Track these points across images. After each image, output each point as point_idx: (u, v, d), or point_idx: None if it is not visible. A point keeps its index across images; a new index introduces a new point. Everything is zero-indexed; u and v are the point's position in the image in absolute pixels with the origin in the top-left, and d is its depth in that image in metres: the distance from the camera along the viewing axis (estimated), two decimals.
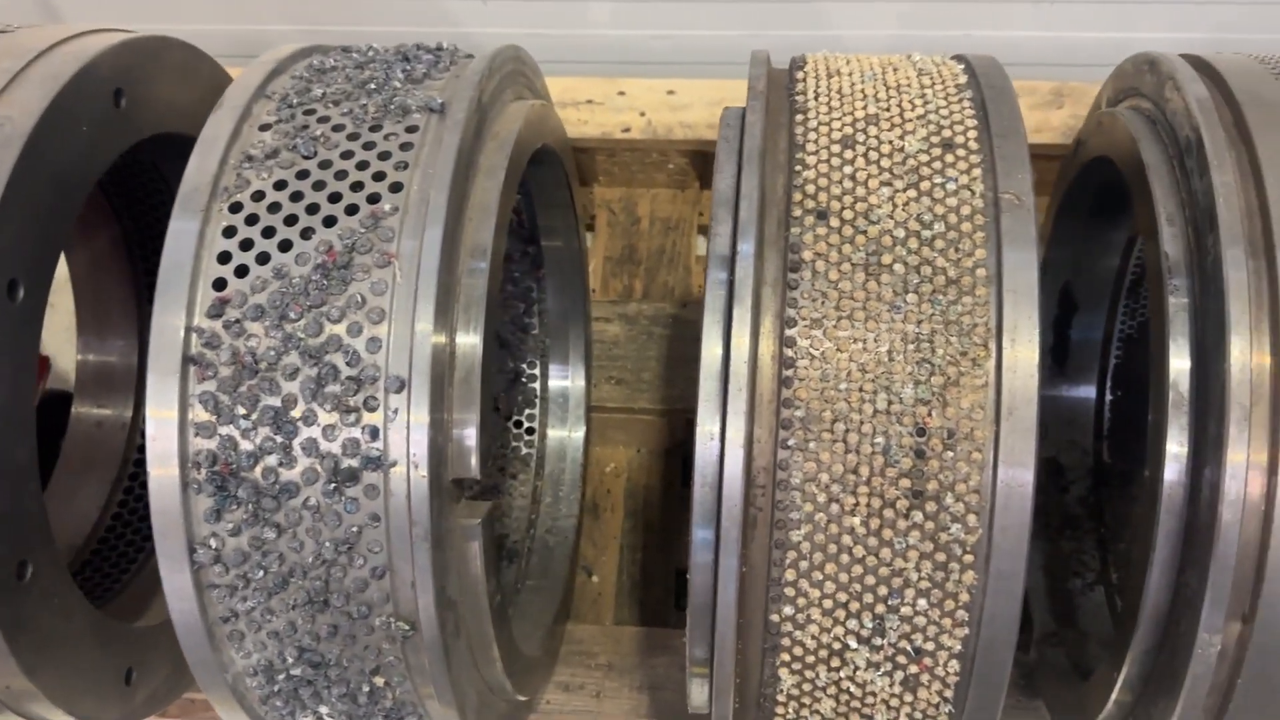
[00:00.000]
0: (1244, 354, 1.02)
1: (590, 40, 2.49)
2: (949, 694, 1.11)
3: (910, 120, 1.17)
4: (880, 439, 1.05)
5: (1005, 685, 1.10)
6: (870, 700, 1.13)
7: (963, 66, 1.28)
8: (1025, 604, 1.70)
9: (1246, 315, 1.03)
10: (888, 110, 1.19)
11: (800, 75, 1.28)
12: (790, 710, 1.16)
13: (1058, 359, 1.80)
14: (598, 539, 2.05)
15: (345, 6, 2.63)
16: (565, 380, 1.93)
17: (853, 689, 1.12)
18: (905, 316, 1.06)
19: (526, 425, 1.93)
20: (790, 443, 1.06)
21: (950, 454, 1.04)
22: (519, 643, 1.61)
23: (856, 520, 1.06)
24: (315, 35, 1.84)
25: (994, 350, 1.05)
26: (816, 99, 1.22)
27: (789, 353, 1.07)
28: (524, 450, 1.92)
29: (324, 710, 1.24)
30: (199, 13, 2.54)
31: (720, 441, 1.06)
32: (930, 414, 1.05)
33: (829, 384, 1.06)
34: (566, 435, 1.93)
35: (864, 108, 1.19)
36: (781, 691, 1.15)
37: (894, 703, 1.13)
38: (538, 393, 1.93)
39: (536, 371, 1.93)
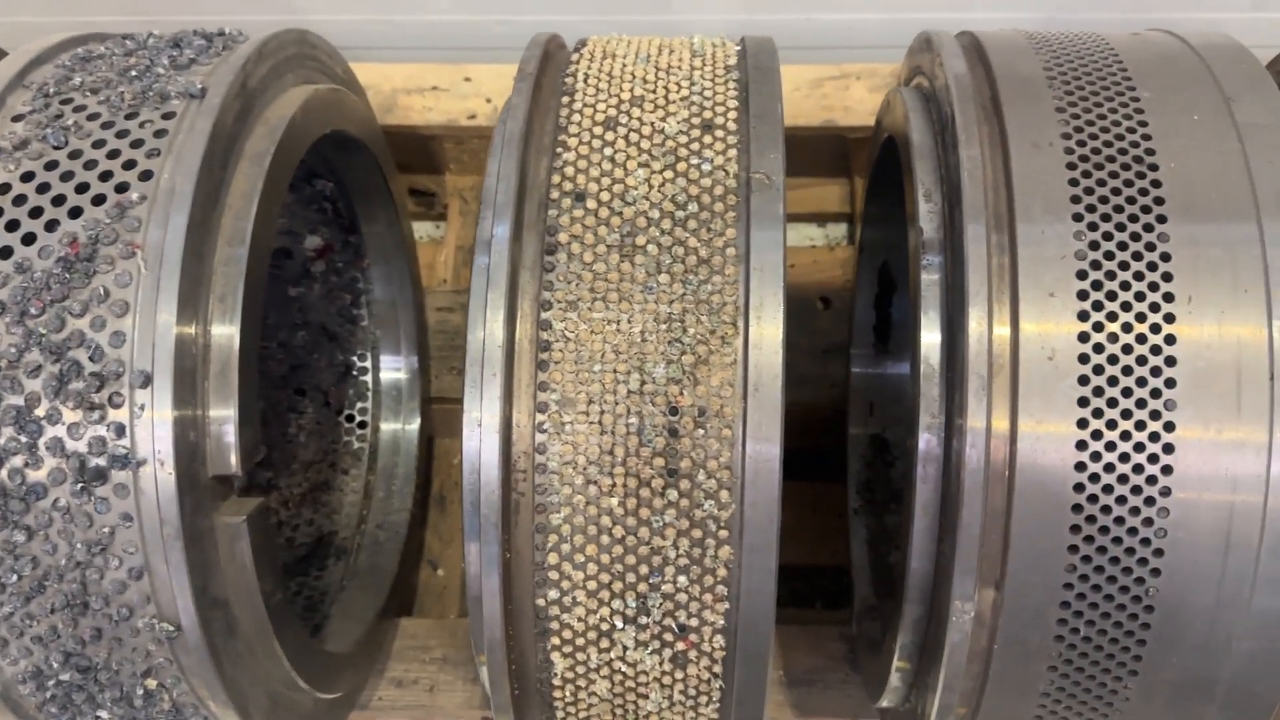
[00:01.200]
0: (981, 325, 1.04)
1: (435, 26, 2.46)
2: (718, 669, 1.12)
3: (674, 102, 1.17)
4: (634, 419, 1.05)
5: (769, 658, 1.11)
6: (643, 679, 1.13)
7: (739, 49, 1.29)
8: (849, 577, 1.73)
9: (985, 288, 1.05)
10: (653, 92, 1.19)
11: (575, 58, 1.27)
12: (567, 693, 1.16)
13: (880, 337, 1.83)
14: (444, 532, 2.03)
15: None
16: (398, 372, 1.90)
17: (624, 669, 1.13)
18: (658, 297, 1.06)
19: (359, 419, 1.90)
20: (546, 426, 1.06)
21: (701, 431, 1.05)
22: (333, 639, 1.59)
23: (614, 501, 1.06)
24: (151, 26, 1.79)
25: (742, 328, 1.05)
26: (585, 81, 1.21)
27: (545, 336, 1.07)
28: (356, 445, 1.89)
29: (102, 714, 1.20)
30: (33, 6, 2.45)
31: (481, 428, 1.05)
32: (682, 393, 1.05)
33: (583, 366, 1.06)
34: (400, 428, 1.90)
35: (630, 90, 1.19)
36: (556, 675, 1.14)
37: (666, 680, 1.13)
38: (370, 386, 1.90)
39: (368, 364, 1.90)
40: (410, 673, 1.76)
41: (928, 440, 1.10)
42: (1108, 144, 1.10)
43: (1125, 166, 1.08)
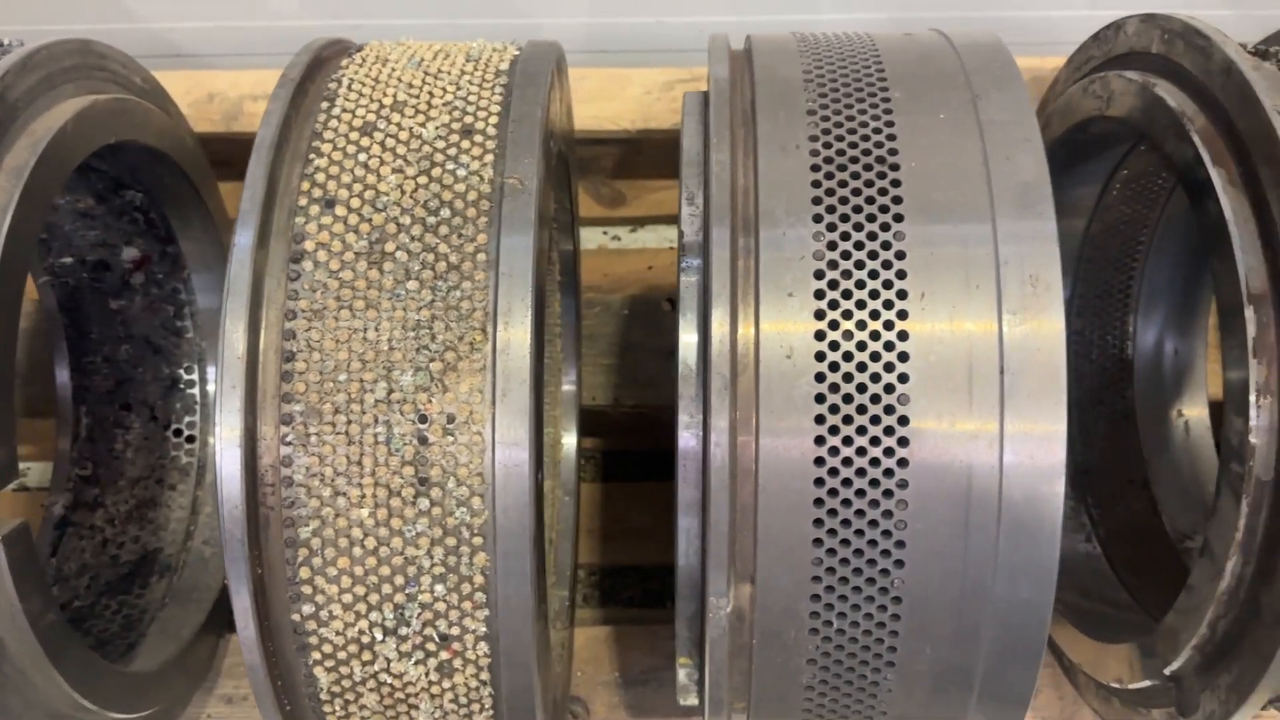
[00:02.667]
0: (724, 326, 1.05)
1: (278, 32, 2.42)
2: (485, 676, 1.12)
3: (436, 107, 1.17)
4: (382, 428, 1.04)
5: (533, 663, 1.11)
6: (411, 690, 1.13)
7: (516, 53, 1.29)
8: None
9: (728, 289, 1.06)
10: (416, 97, 1.18)
11: (345, 63, 1.26)
12: (338, 708, 1.15)
13: None
14: None
15: (22, 4, 2.48)
16: None
17: (390, 681, 1.12)
18: (406, 304, 1.06)
19: (186, 433, 1.86)
20: (291, 438, 1.05)
21: (451, 439, 1.04)
22: (143, 658, 1.55)
23: (365, 512, 1.05)
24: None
25: (491, 334, 1.05)
26: (349, 87, 1.20)
27: (289, 346, 1.05)
28: (184, 459, 1.85)
29: None
30: None
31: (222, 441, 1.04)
32: (430, 400, 1.04)
33: (328, 376, 1.05)
34: None
35: (393, 94, 1.18)
36: (323, 690, 1.13)
37: (434, 690, 1.13)
38: (197, 399, 1.86)
39: (195, 376, 1.86)
40: (241, 689, 1.73)
41: (686, 439, 1.10)
42: (853, 145, 1.12)
43: (867, 167, 1.10)
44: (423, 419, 1.04)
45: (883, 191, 1.09)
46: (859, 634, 1.09)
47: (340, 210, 1.09)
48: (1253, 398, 1.11)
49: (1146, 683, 1.35)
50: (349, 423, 1.04)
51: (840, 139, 1.13)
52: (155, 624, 1.66)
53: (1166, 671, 1.30)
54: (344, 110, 1.16)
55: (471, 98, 1.18)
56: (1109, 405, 1.86)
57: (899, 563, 1.06)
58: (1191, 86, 1.28)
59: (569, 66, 2.07)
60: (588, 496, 2.05)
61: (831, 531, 1.05)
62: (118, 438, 1.85)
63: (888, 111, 1.15)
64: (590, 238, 2.45)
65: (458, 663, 1.10)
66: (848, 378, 1.04)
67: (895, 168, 1.10)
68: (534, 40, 1.34)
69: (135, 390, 1.85)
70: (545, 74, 1.21)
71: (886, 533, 1.05)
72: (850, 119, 1.14)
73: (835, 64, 1.22)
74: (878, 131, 1.13)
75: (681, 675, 1.26)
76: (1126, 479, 1.82)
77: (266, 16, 2.43)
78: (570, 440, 1.87)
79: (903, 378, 1.04)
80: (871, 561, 1.06)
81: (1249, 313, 1.12)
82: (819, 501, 1.05)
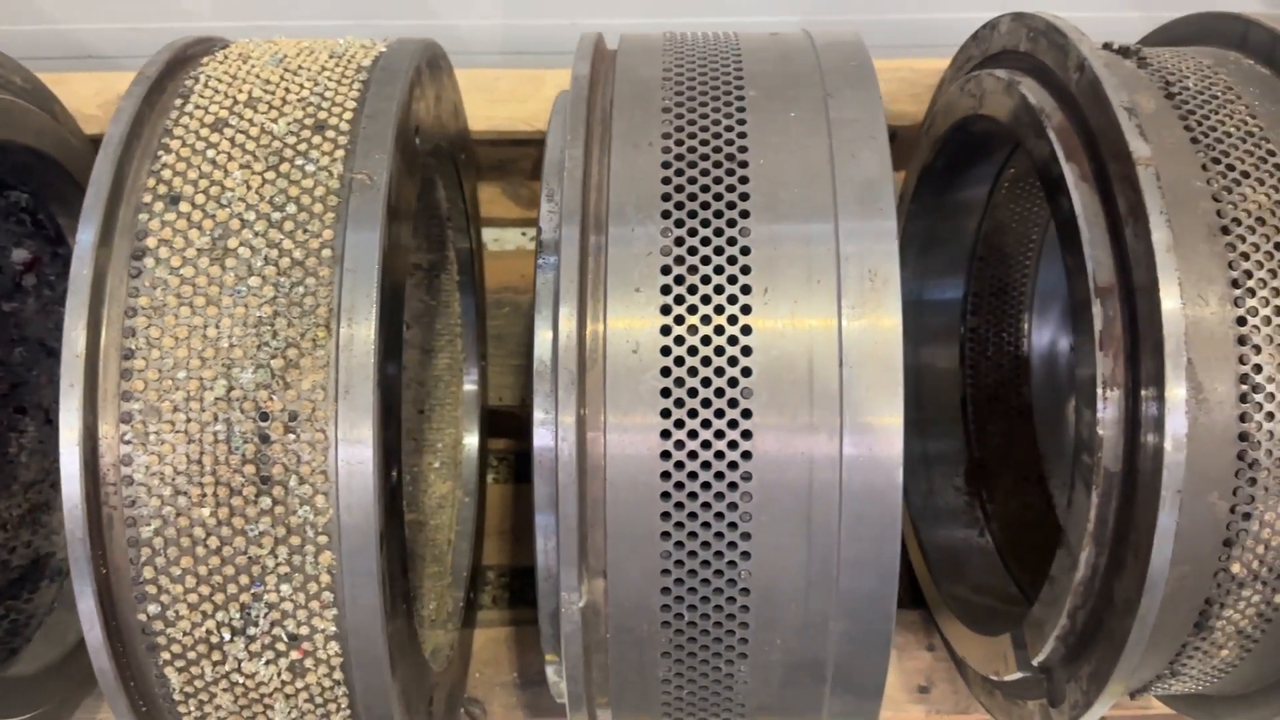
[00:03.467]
0: (570, 322, 1.05)
1: (191, 34, 2.40)
2: (338, 675, 1.11)
3: (290, 103, 1.16)
4: (222, 426, 1.04)
5: (386, 662, 1.10)
6: (264, 691, 1.12)
7: (382, 50, 1.28)
8: None
9: (575, 286, 1.06)
10: (271, 93, 1.17)
11: (206, 60, 1.25)
12: (192, 709, 1.14)
13: None
14: None
15: None
16: None
17: (243, 681, 1.11)
18: (248, 301, 1.05)
19: None
20: (130, 437, 1.04)
21: (293, 436, 1.04)
22: (24, 662, 1.53)
23: (206, 511, 1.04)
24: None
25: (334, 330, 1.05)
26: (205, 84, 1.19)
27: (129, 344, 1.05)
28: None
29: None
30: None
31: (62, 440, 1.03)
32: (272, 398, 1.04)
33: (167, 374, 1.04)
34: None
35: (249, 91, 1.18)
36: (175, 691, 1.12)
37: (288, 690, 1.12)
38: None
39: None
40: None
41: (541, 436, 1.10)
42: (704, 143, 1.13)
43: (717, 164, 1.11)
44: (264, 417, 1.04)
45: (731, 189, 1.10)
46: (710, 626, 1.10)
47: (184, 207, 1.08)
48: (1099, 390, 1.13)
49: (1019, 674, 1.37)
50: (188, 421, 1.03)
51: (693, 136, 1.13)
52: (42, 629, 1.63)
53: (1035, 663, 1.32)
54: (197, 107, 1.16)
55: (328, 94, 1.17)
56: (1005, 402, 1.89)
57: (745, 554, 1.06)
58: (1053, 84, 1.30)
59: (487, 68, 2.08)
60: (499, 498, 2.04)
61: (679, 525, 1.06)
62: (12, 441, 1.82)
63: (741, 110, 1.16)
64: (508, 238, 2.45)
65: (309, 663, 1.10)
66: (692, 372, 1.05)
67: (744, 165, 1.11)
68: (403, 38, 1.34)
69: (29, 393, 1.82)
70: (405, 70, 1.21)
71: (732, 525, 1.06)
72: (704, 117, 1.15)
73: (695, 63, 1.23)
74: (730, 129, 1.14)
75: (550, 672, 1.26)
76: (1022, 474, 1.84)
77: (179, 18, 2.41)
78: (472, 440, 1.86)
79: (746, 372, 1.04)
80: (719, 554, 1.07)
81: (1096, 306, 1.14)
82: (666, 495, 1.05)
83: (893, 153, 1.13)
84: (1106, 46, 1.37)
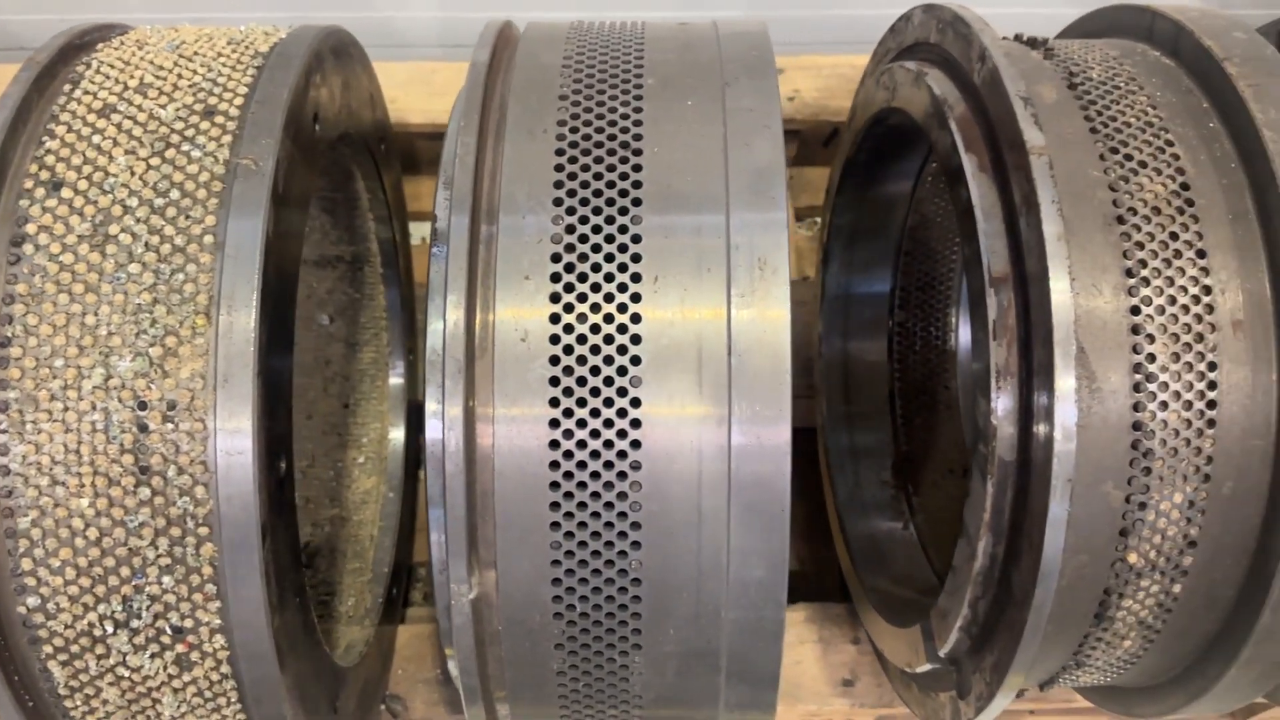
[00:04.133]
0: (458, 311, 1.04)
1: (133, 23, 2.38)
2: (225, 669, 1.10)
3: (180, 89, 1.15)
4: (99, 415, 1.02)
5: (273, 655, 1.09)
6: (150, 684, 1.10)
7: (282, 36, 1.27)
8: None
9: (464, 275, 1.05)
10: (163, 79, 1.16)
11: (102, 46, 1.23)
12: (79, 703, 1.12)
13: None
14: None
15: None
16: None
17: (128, 675, 1.09)
18: (127, 288, 1.03)
19: None
20: (6, 426, 1.02)
21: (171, 426, 1.02)
22: None
23: (84, 501, 1.02)
24: None
25: (214, 318, 1.03)
26: (97, 70, 1.17)
27: (6, 331, 1.02)
28: None
29: None
30: None
31: None
32: (150, 386, 1.02)
33: (44, 362, 1.02)
34: None
35: (140, 77, 1.16)
36: (60, 685, 1.10)
37: (175, 684, 1.10)
38: None
39: None
40: None
41: (431, 427, 1.09)
42: (599, 130, 1.12)
43: (611, 153, 1.10)
44: (142, 406, 1.02)
45: (624, 177, 1.09)
46: (602, 616, 1.09)
47: (66, 193, 1.06)
48: (993, 380, 1.13)
49: (929, 666, 1.37)
50: (66, 410, 1.01)
51: (588, 124, 1.12)
52: None
53: (941, 654, 1.32)
54: (85, 93, 1.14)
55: (220, 79, 1.16)
56: (932, 395, 1.89)
57: (636, 544, 1.06)
58: (959, 76, 1.30)
59: (425, 60, 2.06)
60: None
61: (569, 515, 1.05)
62: None
63: (639, 98, 1.15)
64: None
65: (195, 656, 1.08)
66: (581, 361, 1.04)
67: (638, 153, 1.10)
68: (305, 25, 1.32)
69: None
70: (300, 56, 1.20)
71: (622, 514, 1.05)
72: (600, 104, 1.14)
73: (597, 51, 1.22)
74: (625, 118, 1.13)
75: (451, 666, 1.25)
76: (947, 467, 1.85)
77: (111, 10, 2.38)
78: (398, 435, 1.85)
79: (635, 360, 1.04)
80: (609, 544, 1.06)
81: (990, 296, 1.14)
82: (555, 485, 1.04)
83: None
84: (1017, 38, 1.38)
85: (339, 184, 1.66)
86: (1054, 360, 1.07)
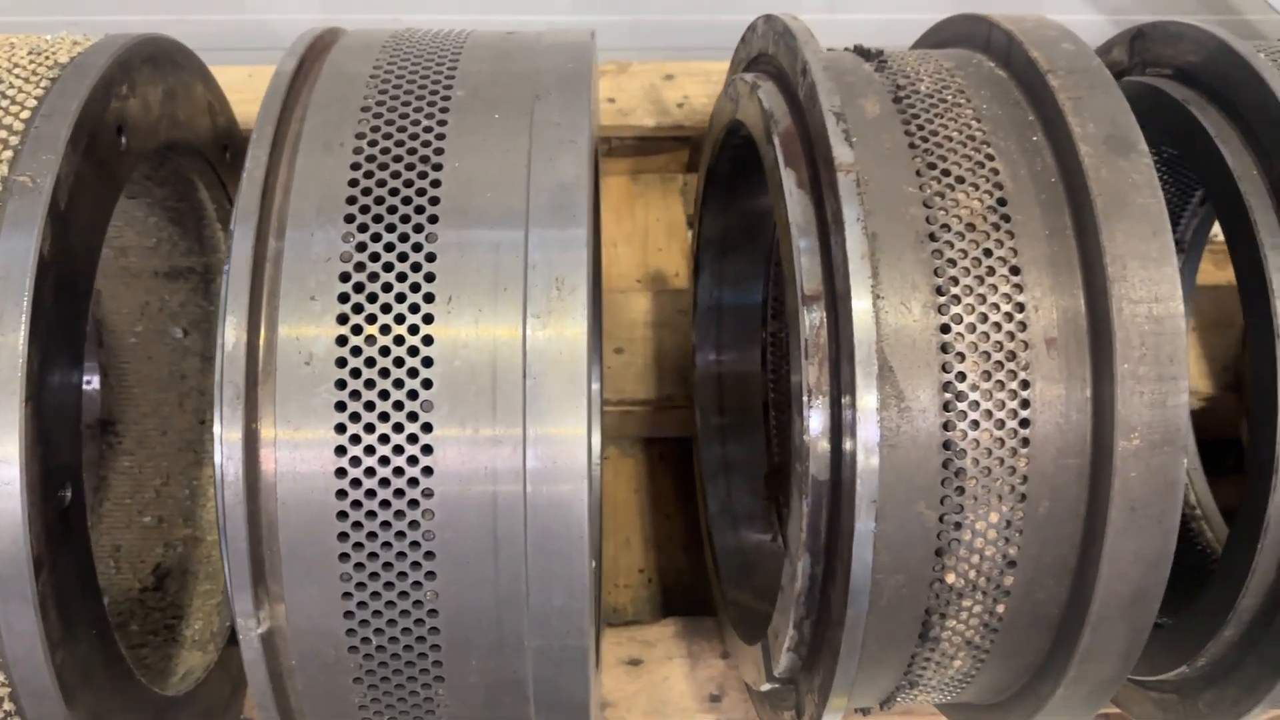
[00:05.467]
0: (238, 333, 1.00)
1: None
2: (9, 706, 1.05)
3: None
4: None
5: (56, 692, 1.04)
6: None
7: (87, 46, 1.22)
8: None
9: (246, 294, 1.01)
10: None
11: None
12: None
13: None
14: None
15: None
16: None
17: None
18: None
19: None
20: None
21: None
22: None
23: None
24: None
25: None
26: None
27: None
28: None
29: None
30: None
31: None
32: None
33: None
34: None
35: None
36: None
37: None
38: None
39: None
40: None
41: (217, 453, 1.05)
42: (399, 144, 1.08)
43: (410, 167, 1.07)
44: None
45: (421, 192, 1.06)
46: (400, 649, 1.06)
47: None
48: (805, 398, 1.11)
49: (769, 685, 1.35)
50: None
51: (388, 137, 1.09)
52: None
53: (776, 673, 1.30)
54: None
55: (10, 91, 1.11)
56: None
57: (430, 574, 1.02)
58: (788, 88, 1.28)
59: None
60: None
61: (358, 545, 1.01)
62: None
63: (444, 110, 1.12)
64: None
65: None
66: (370, 384, 1.00)
67: (438, 168, 1.07)
68: (115, 34, 1.27)
69: None
70: (98, 67, 1.15)
71: (415, 544, 1.02)
72: (404, 117, 1.11)
73: (410, 60, 1.18)
74: (428, 130, 1.10)
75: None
76: None
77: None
78: None
79: (426, 384, 1.00)
80: (402, 574, 1.02)
81: (802, 314, 1.12)
82: (343, 514, 1.01)
83: None
84: (856, 48, 1.36)
85: (183, 194, 1.61)
86: (855, 379, 1.05)
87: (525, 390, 1.00)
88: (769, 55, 1.37)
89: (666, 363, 2.07)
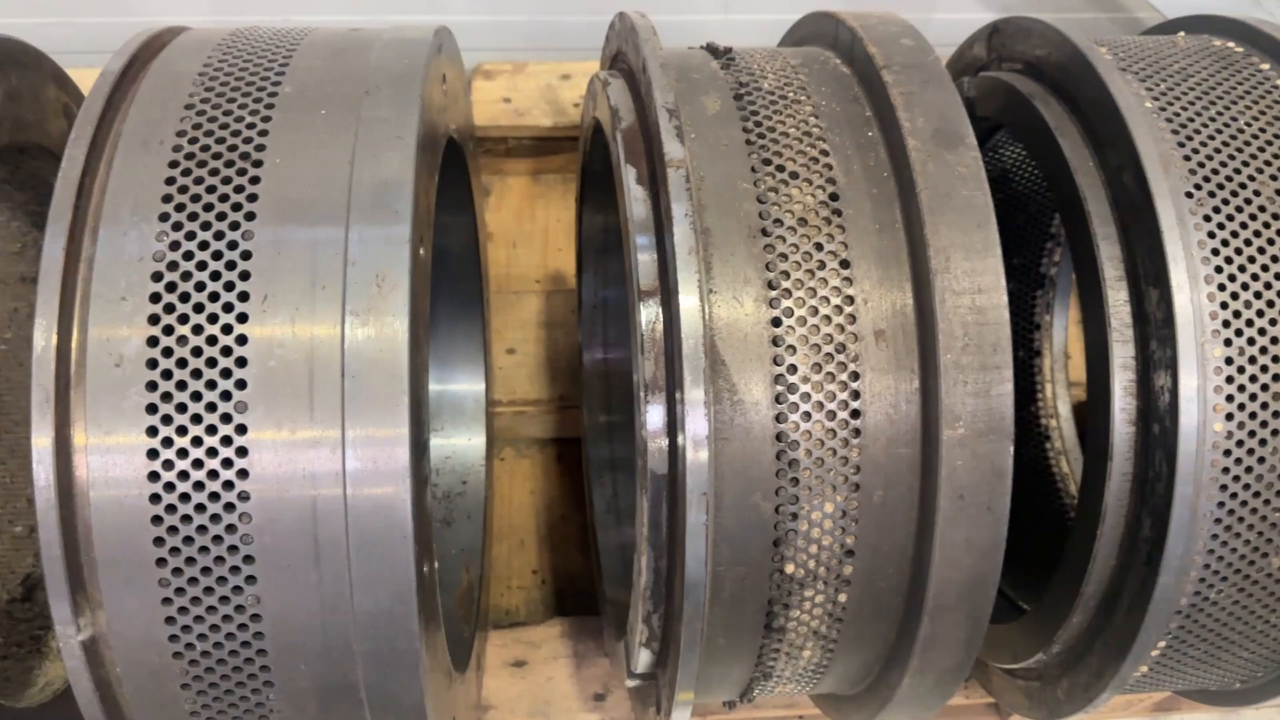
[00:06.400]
0: (48, 337, 0.99)
1: None
2: None
3: None
4: None
5: None
6: None
7: None
8: None
9: (57, 295, 0.99)
10: None
11: None
12: None
13: None
14: None
15: None
16: None
17: None
18: None
19: None
20: None
21: None
22: None
23: None
24: None
25: None
26: None
27: None
28: None
29: None
30: None
31: None
32: None
33: None
34: None
35: None
36: None
37: None
38: None
39: None
40: None
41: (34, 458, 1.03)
42: (220, 141, 1.07)
43: (229, 164, 1.06)
44: None
45: (239, 190, 1.04)
46: (226, 655, 1.04)
47: None
48: (641, 393, 1.11)
49: (631, 682, 1.35)
50: None
51: (209, 134, 1.07)
52: None
53: (633, 669, 1.30)
54: None
55: None
56: None
57: (251, 579, 1.01)
58: (634, 86, 1.28)
59: None
60: None
61: (175, 550, 1.00)
62: None
63: (270, 107, 1.10)
64: None
65: None
66: (182, 386, 0.99)
67: (258, 165, 1.06)
68: None
69: None
70: None
71: (233, 548, 1.00)
72: (227, 114, 1.09)
73: (240, 58, 1.17)
74: (251, 127, 1.08)
75: None
76: None
77: None
78: None
79: (240, 384, 0.99)
80: (222, 579, 1.01)
81: (639, 310, 1.12)
82: (158, 519, 0.99)
83: None
84: (707, 46, 1.37)
85: (45, 197, 1.57)
86: (683, 373, 1.05)
87: (344, 390, 0.99)
88: (623, 53, 1.37)
89: (560, 363, 2.07)
